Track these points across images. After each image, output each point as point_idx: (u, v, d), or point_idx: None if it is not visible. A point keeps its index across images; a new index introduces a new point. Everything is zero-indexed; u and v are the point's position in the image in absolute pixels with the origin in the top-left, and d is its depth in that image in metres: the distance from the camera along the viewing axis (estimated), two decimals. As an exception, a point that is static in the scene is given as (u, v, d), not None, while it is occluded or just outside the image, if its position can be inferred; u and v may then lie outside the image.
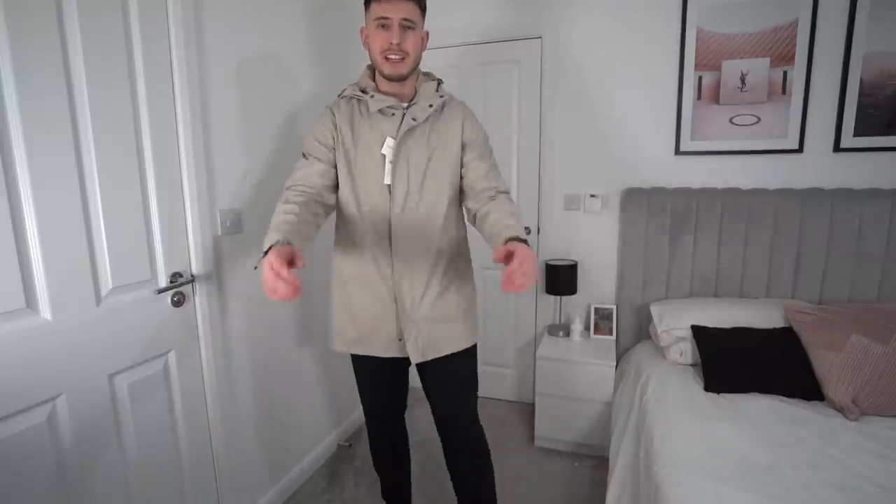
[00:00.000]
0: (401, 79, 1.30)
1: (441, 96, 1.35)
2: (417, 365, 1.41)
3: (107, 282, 1.26)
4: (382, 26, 1.25)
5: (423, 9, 1.31)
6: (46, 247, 1.11)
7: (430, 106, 1.32)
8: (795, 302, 1.96)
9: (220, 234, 1.59)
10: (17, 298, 1.07)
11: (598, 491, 1.94)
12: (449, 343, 1.40)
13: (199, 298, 1.52)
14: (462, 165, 1.38)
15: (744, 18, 2.07)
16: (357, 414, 2.49)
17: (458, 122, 1.36)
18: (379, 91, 1.34)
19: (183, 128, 1.43)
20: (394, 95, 1.33)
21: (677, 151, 2.25)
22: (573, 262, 2.38)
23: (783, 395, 1.66)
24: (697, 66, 2.16)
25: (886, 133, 1.98)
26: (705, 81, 2.16)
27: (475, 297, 1.50)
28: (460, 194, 1.42)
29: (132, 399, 1.34)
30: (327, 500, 1.95)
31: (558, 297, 2.48)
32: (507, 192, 1.37)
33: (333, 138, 1.34)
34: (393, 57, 1.26)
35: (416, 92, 1.36)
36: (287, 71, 1.87)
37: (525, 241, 1.16)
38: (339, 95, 1.40)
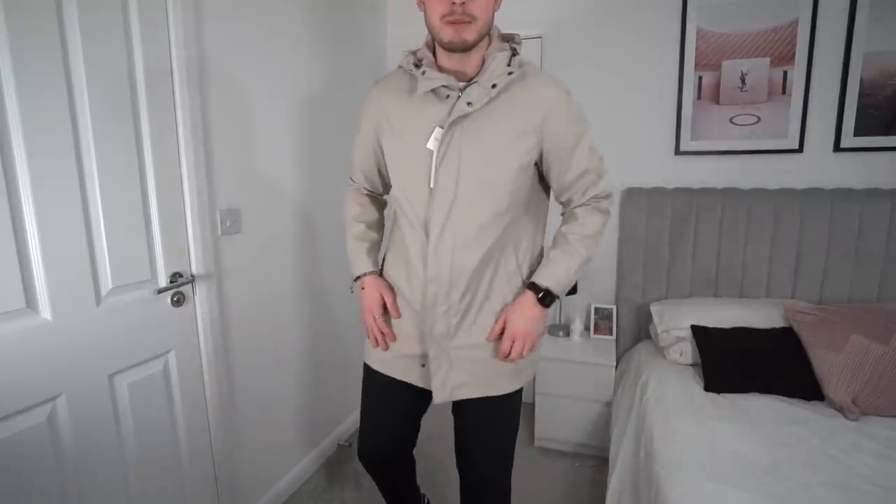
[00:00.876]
0: (466, 49, 1.02)
1: (511, 73, 1.04)
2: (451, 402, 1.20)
3: (107, 282, 1.25)
4: None
5: None
6: (46, 247, 1.11)
7: (494, 86, 1.02)
8: (795, 302, 1.96)
9: (220, 234, 1.59)
10: (17, 298, 1.07)
11: (598, 491, 1.94)
12: (487, 385, 1.15)
13: (199, 298, 1.52)
14: (544, 164, 1.13)
15: (744, 18, 2.07)
16: (356, 414, 2.47)
17: (534, 113, 1.05)
18: (436, 66, 1.07)
19: (183, 127, 1.43)
20: (455, 71, 1.06)
21: (677, 151, 2.25)
22: (573, 262, 2.38)
23: (783, 395, 1.66)
24: (697, 66, 2.16)
25: (886, 133, 1.98)
26: (705, 81, 2.16)
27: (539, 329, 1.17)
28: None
29: (132, 399, 1.34)
30: (327, 500, 1.95)
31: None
32: (594, 202, 1.15)
33: (377, 132, 1.17)
34: (457, 19, 0.97)
35: (482, 66, 1.06)
36: (288, 68, 1.87)
37: (545, 292, 1.09)
38: (398, 66, 1.14)
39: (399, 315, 1.20)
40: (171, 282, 1.43)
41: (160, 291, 1.39)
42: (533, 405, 2.34)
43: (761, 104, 2.11)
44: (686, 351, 1.92)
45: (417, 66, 1.09)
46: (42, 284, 1.11)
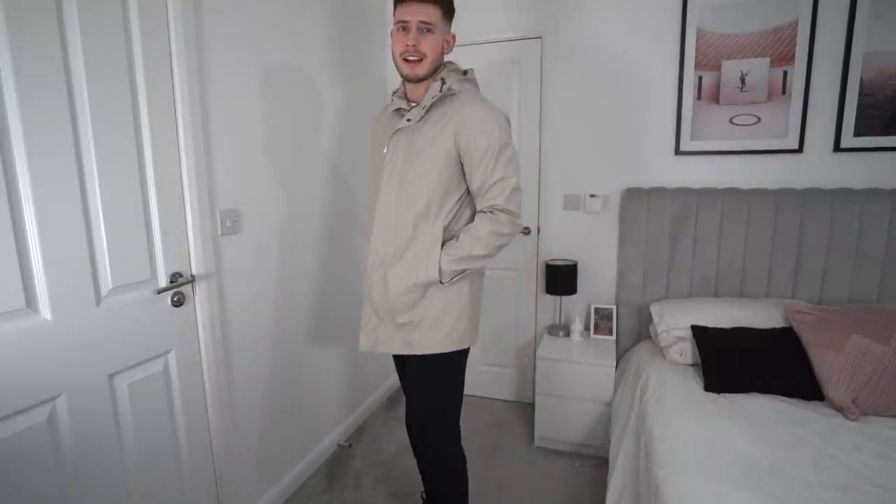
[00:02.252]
0: (418, 80, 1.32)
1: (434, 96, 1.30)
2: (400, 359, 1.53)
3: (107, 282, 1.25)
4: (403, 28, 1.29)
5: (445, 12, 1.31)
6: (46, 247, 1.11)
7: (424, 107, 1.31)
8: (795, 302, 1.96)
9: (220, 234, 1.59)
10: (17, 298, 1.07)
11: (598, 491, 1.94)
12: (404, 346, 1.39)
13: (199, 298, 1.52)
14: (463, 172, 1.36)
15: (744, 18, 2.07)
16: (357, 414, 2.49)
17: (450, 128, 1.30)
18: (404, 95, 1.40)
19: (183, 127, 1.43)
20: (412, 98, 1.38)
21: (677, 151, 2.25)
22: (573, 262, 2.38)
23: (783, 395, 1.66)
24: (697, 66, 2.16)
25: (886, 133, 1.98)
26: (705, 81, 2.16)
27: (465, 302, 1.40)
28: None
29: (132, 399, 1.34)
30: (327, 501, 1.95)
31: (558, 297, 2.48)
32: (487, 211, 1.34)
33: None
34: (411, 58, 1.29)
35: (426, 92, 1.35)
36: (288, 67, 1.87)
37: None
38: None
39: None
40: (171, 282, 1.43)
41: (160, 291, 1.39)
42: (533, 405, 2.34)
43: (761, 104, 2.11)
44: (686, 351, 1.92)
45: (395, 93, 1.43)
46: (42, 284, 1.11)
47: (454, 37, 1.38)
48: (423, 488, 1.65)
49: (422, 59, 1.29)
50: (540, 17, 2.38)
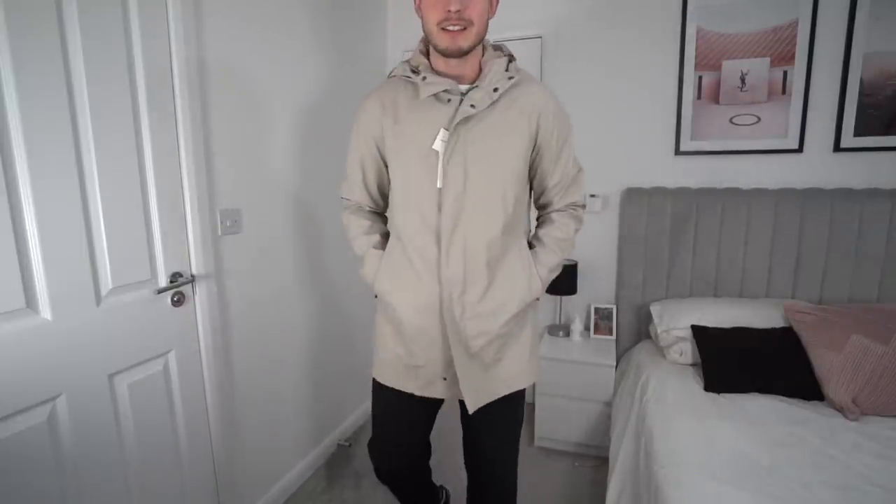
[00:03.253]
0: (461, 54, 1.06)
1: (510, 77, 1.09)
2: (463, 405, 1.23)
3: (107, 282, 1.25)
4: None
5: None
6: (46, 247, 1.11)
7: (496, 90, 1.07)
8: (795, 302, 1.96)
9: (220, 234, 1.59)
10: (17, 298, 1.07)
11: (598, 491, 1.94)
12: (505, 384, 1.19)
13: (199, 298, 1.52)
14: (531, 168, 1.19)
15: (744, 18, 2.07)
16: (357, 414, 2.49)
17: (530, 115, 1.11)
18: (433, 71, 1.10)
19: (183, 127, 1.43)
20: (452, 76, 1.09)
21: (677, 151, 2.25)
22: (573, 262, 2.38)
23: (783, 395, 1.66)
24: (697, 66, 2.16)
25: (886, 133, 1.98)
26: (705, 81, 2.16)
27: (537, 323, 1.26)
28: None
29: (132, 399, 1.34)
30: (327, 501, 1.95)
31: (558, 297, 2.48)
32: (570, 209, 1.24)
33: (376, 140, 1.17)
34: (452, 27, 1.01)
35: (480, 71, 1.11)
36: (288, 68, 1.87)
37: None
38: (388, 75, 1.18)
39: None
40: (171, 282, 1.43)
41: (160, 291, 1.39)
42: (533, 405, 2.34)
43: (761, 104, 2.11)
44: (686, 351, 1.92)
45: (415, 72, 1.10)
46: (42, 284, 1.11)
47: None
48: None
49: (466, 28, 1.02)
50: (540, 17, 2.38)
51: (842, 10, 1.97)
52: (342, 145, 2.21)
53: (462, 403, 1.23)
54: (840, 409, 1.56)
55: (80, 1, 1.15)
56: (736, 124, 2.15)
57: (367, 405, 2.58)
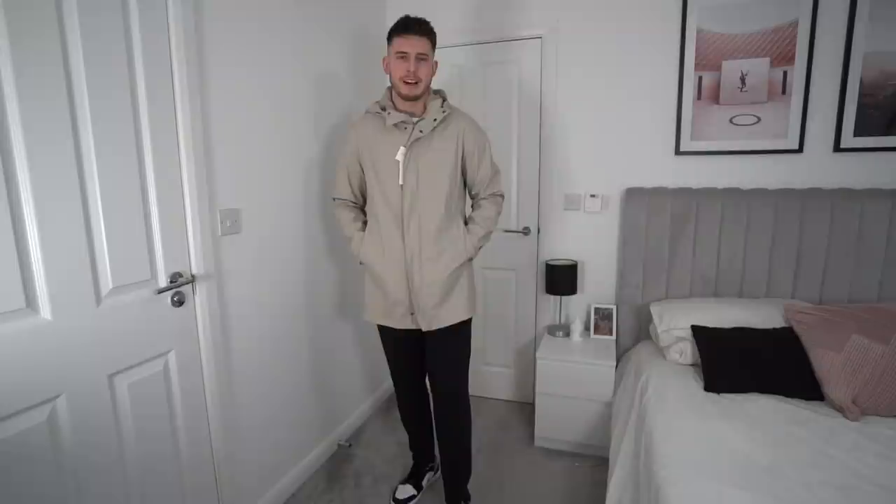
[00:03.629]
0: (415, 98, 1.61)
1: (444, 112, 1.63)
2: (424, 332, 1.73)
3: (107, 282, 1.25)
4: (402, 57, 1.55)
5: (433, 43, 1.62)
6: (46, 247, 1.11)
7: (435, 120, 1.61)
8: (795, 302, 1.96)
9: (220, 234, 1.59)
10: (17, 298, 1.07)
11: (598, 491, 1.94)
12: (450, 316, 1.69)
13: (199, 298, 1.52)
14: (463, 170, 1.70)
15: (744, 18, 2.07)
16: (357, 414, 2.49)
17: (457, 134, 1.65)
18: (396, 109, 1.64)
19: (183, 127, 1.43)
20: (407, 112, 1.63)
21: (677, 151, 2.25)
22: (573, 262, 2.38)
23: (783, 395, 1.66)
24: (697, 66, 2.16)
25: (886, 133, 1.98)
26: (705, 81, 2.16)
27: (472, 276, 1.79)
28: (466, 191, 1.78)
29: (132, 399, 1.34)
30: (327, 501, 1.95)
31: (558, 297, 2.48)
32: (492, 197, 1.74)
33: (357, 156, 1.70)
34: (409, 81, 1.56)
35: (425, 108, 1.64)
36: (288, 69, 1.87)
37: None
38: (365, 111, 1.72)
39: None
40: (172, 282, 1.43)
41: (160, 291, 1.39)
42: (533, 405, 2.34)
43: (761, 104, 2.11)
44: (686, 351, 1.92)
45: (383, 109, 1.65)
46: (42, 284, 1.11)
47: (437, 63, 1.68)
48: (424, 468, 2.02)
49: (418, 82, 1.57)
50: (540, 17, 2.38)
51: (842, 10, 1.97)
52: (340, 145, 2.22)
53: (425, 336, 1.74)
54: (840, 409, 1.56)
55: (80, 2, 1.14)
56: (736, 124, 2.15)
57: (366, 405, 2.58)
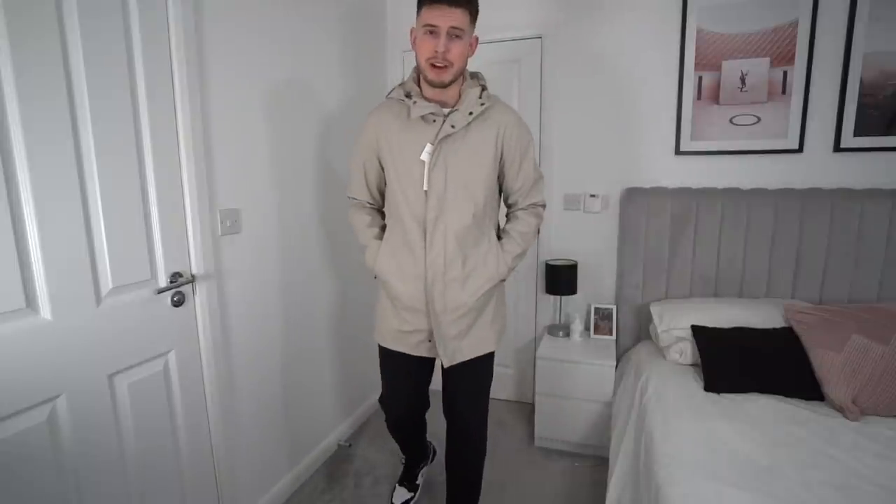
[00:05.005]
0: (444, 86, 1.33)
1: (482, 103, 1.35)
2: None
3: (107, 282, 1.25)
4: (431, 32, 1.27)
5: (473, 15, 1.32)
6: (46, 247, 1.11)
7: (471, 114, 1.34)
8: (795, 302, 1.96)
9: (220, 234, 1.59)
10: (17, 298, 1.07)
11: (598, 491, 1.94)
12: (475, 348, 1.47)
13: (199, 298, 1.52)
14: (500, 175, 1.45)
15: (744, 18, 2.07)
16: (356, 414, 2.49)
17: (496, 132, 1.38)
18: (422, 97, 1.37)
19: (183, 127, 1.43)
20: (437, 101, 1.36)
21: (677, 151, 2.25)
22: (573, 262, 2.38)
23: (783, 395, 1.66)
24: (697, 66, 2.16)
25: (886, 133, 1.98)
26: (705, 81, 2.16)
27: (504, 300, 1.57)
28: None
29: (132, 399, 1.34)
30: (327, 501, 1.95)
31: (558, 297, 2.48)
32: (532, 207, 1.50)
33: (376, 150, 1.44)
34: (438, 64, 1.28)
35: (459, 97, 1.37)
36: (288, 69, 1.87)
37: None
38: (386, 96, 1.44)
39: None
40: (172, 282, 1.43)
41: (160, 291, 1.39)
42: (533, 405, 2.34)
43: (761, 104, 2.11)
44: (686, 351, 1.92)
45: (408, 96, 1.37)
46: (42, 284, 1.11)
47: (477, 39, 1.38)
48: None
49: (447, 67, 1.29)
50: (540, 17, 2.38)
51: (842, 10, 1.97)
52: (341, 145, 2.22)
53: (442, 365, 1.50)
54: (840, 409, 1.56)
55: (80, 3, 1.14)
56: (736, 124, 2.15)
57: (367, 405, 2.58)
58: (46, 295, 1.12)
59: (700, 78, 2.17)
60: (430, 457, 2.05)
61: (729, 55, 2.11)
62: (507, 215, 1.55)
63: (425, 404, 1.72)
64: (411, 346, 1.49)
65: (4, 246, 1.05)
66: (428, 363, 1.57)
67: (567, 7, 2.33)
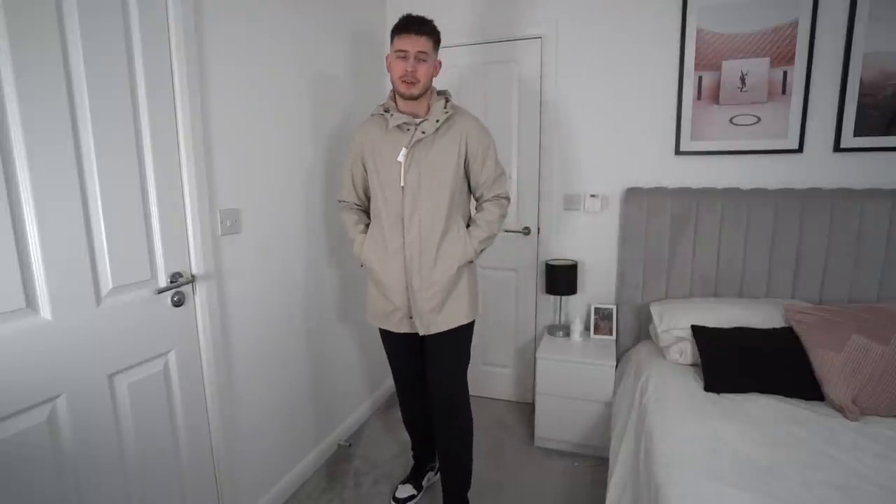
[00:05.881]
0: (413, 98, 1.58)
1: (447, 112, 1.60)
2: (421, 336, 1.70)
3: (107, 282, 1.25)
4: (401, 57, 1.54)
5: (436, 42, 1.59)
6: (46, 247, 1.11)
7: (437, 121, 1.58)
8: (795, 302, 1.96)
9: (220, 234, 1.59)
10: (17, 298, 1.07)
11: (598, 491, 1.94)
12: (448, 320, 1.66)
13: (199, 298, 1.52)
14: (466, 172, 1.67)
15: (744, 18, 2.07)
16: (357, 414, 2.49)
17: (459, 136, 1.61)
18: (398, 110, 1.62)
19: (183, 127, 1.43)
20: (410, 113, 1.61)
21: (677, 151, 2.25)
22: (573, 262, 2.38)
23: (783, 395, 1.66)
24: (697, 66, 2.16)
25: (886, 133, 1.98)
26: (705, 81, 2.16)
27: (476, 279, 1.76)
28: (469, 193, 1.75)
29: (132, 399, 1.34)
30: (327, 501, 1.95)
31: (558, 297, 2.48)
32: (496, 199, 1.69)
33: (361, 158, 1.70)
34: (407, 80, 1.55)
35: (428, 109, 1.62)
36: (288, 69, 1.87)
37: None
38: (370, 114, 1.71)
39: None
40: (172, 282, 1.43)
41: (160, 291, 1.39)
42: (533, 405, 2.34)
43: (761, 104, 2.11)
44: (686, 351, 1.92)
45: (387, 111, 1.63)
46: (42, 284, 1.11)
47: (440, 63, 1.65)
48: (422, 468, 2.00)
49: (416, 83, 1.55)
50: (540, 17, 2.38)
51: (842, 10, 1.97)
52: (341, 145, 2.22)
53: (424, 339, 1.72)
54: (840, 409, 1.56)
55: (80, 3, 1.14)
56: (736, 124, 2.15)
57: (366, 405, 2.58)
58: (46, 295, 1.12)
59: (700, 78, 2.17)
60: (437, 468, 2.05)
61: (729, 55, 2.11)
62: (475, 207, 1.75)
63: (420, 369, 1.84)
64: (394, 323, 1.71)
65: (4, 246, 1.05)
66: (416, 341, 1.75)
67: (567, 7, 2.33)
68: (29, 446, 1.10)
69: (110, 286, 1.26)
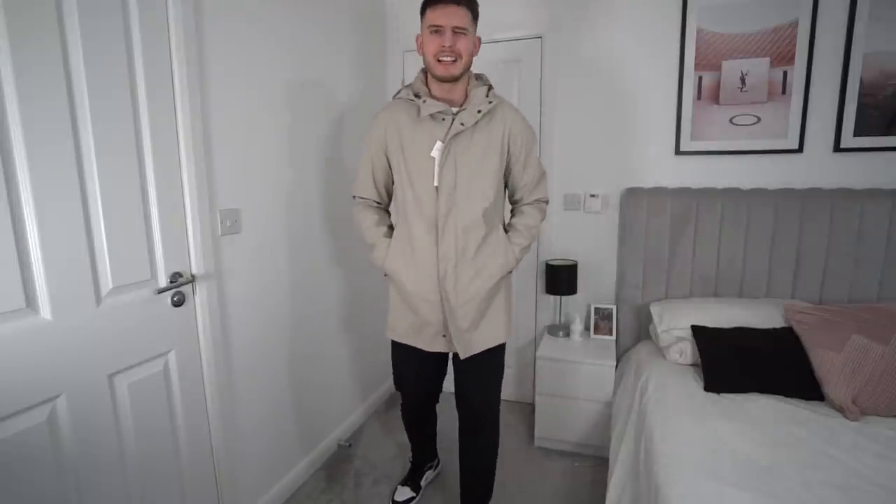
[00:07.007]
0: (452, 80, 1.37)
1: (490, 102, 1.40)
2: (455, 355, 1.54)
3: (107, 282, 1.25)
4: (436, 32, 1.33)
5: (474, 14, 1.38)
6: (46, 247, 1.11)
7: (479, 112, 1.38)
8: (795, 302, 1.96)
9: (220, 234, 1.59)
10: (17, 298, 1.07)
11: (598, 491, 1.94)
12: (486, 339, 1.52)
13: (199, 298, 1.52)
14: (506, 172, 1.50)
15: (744, 18, 2.07)
16: (357, 414, 2.49)
17: (502, 130, 1.43)
18: (431, 96, 1.41)
19: (183, 127, 1.43)
20: (445, 100, 1.40)
21: (677, 151, 2.25)
22: (573, 262, 2.38)
23: (783, 395, 1.66)
24: (697, 66, 2.16)
25: (886, 133, 1.98)
26: (705, 81, 2.16)
27: (511, 292, 1.60)
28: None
29: (132, 399, 1.34)
30: (327, 501, 1.95)
31: (558, 297, 2.48)
32: (536, 203, 1.55)
33: (384, 149, 1.48)
34: (445, 59, 1.33)
35: (466, 97, 1.42)
36: (288, 70, 1.87)
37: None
38: (393, 97, 1.50)
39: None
40: (172, 282, 1.43)
41: (160, 291, 1.39)
42: (533, 405, 2.34)
43: (761, 104, 2.11)
44: (686, 351, 1.92)
45: (417, 96, 1.41)
46: (42, 284, 1.11)
47: (480, 39, 1.43)
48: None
49: (456, 60, 1.34)
50: (540, 17, 2.38)
51: (842, 10, 1.97)
52: (341, 145, 2.22)
53: (455, 356, 1.54)
54: (840, 409, 1.56)
55: (80, 3, 1.14)
56: (736, 124, 2.15)
57: (367, 405, 2.58)
58: (46, 295, 1.12)
59: (700, 78, 2.17)
60: (436, 465, 2.06)
61: (729, 55, 2.11)
62: (511, 210, 1.59)
63: (439, 388, 1.76)
64: (427, 341, 1.52)
65: (4, 246, 1.05)
66: (443, 358, 1.63)
67: (567, 7, 2.33)
68: (29, 446, 1.10)
69: (110, 286, 1.26)
